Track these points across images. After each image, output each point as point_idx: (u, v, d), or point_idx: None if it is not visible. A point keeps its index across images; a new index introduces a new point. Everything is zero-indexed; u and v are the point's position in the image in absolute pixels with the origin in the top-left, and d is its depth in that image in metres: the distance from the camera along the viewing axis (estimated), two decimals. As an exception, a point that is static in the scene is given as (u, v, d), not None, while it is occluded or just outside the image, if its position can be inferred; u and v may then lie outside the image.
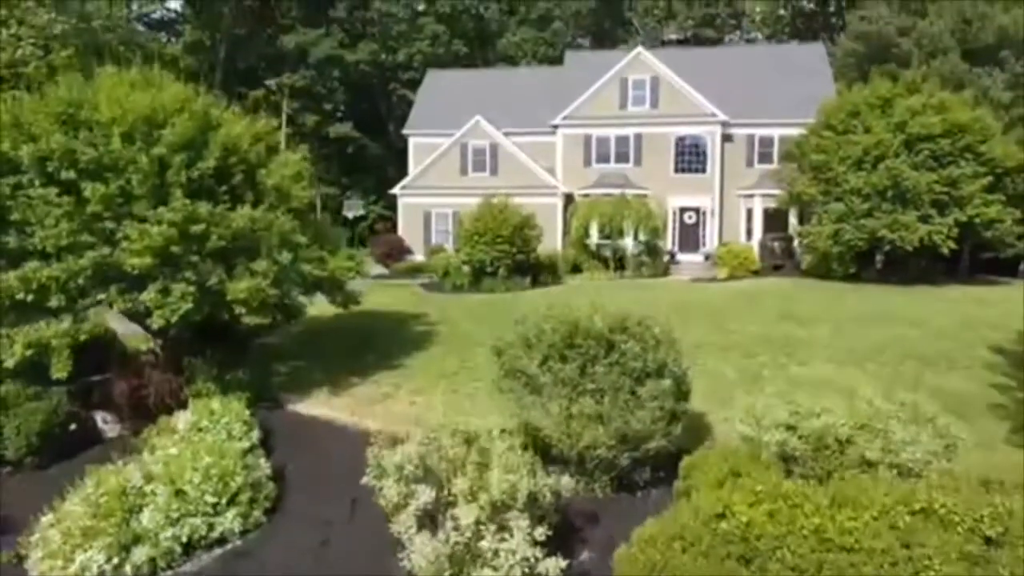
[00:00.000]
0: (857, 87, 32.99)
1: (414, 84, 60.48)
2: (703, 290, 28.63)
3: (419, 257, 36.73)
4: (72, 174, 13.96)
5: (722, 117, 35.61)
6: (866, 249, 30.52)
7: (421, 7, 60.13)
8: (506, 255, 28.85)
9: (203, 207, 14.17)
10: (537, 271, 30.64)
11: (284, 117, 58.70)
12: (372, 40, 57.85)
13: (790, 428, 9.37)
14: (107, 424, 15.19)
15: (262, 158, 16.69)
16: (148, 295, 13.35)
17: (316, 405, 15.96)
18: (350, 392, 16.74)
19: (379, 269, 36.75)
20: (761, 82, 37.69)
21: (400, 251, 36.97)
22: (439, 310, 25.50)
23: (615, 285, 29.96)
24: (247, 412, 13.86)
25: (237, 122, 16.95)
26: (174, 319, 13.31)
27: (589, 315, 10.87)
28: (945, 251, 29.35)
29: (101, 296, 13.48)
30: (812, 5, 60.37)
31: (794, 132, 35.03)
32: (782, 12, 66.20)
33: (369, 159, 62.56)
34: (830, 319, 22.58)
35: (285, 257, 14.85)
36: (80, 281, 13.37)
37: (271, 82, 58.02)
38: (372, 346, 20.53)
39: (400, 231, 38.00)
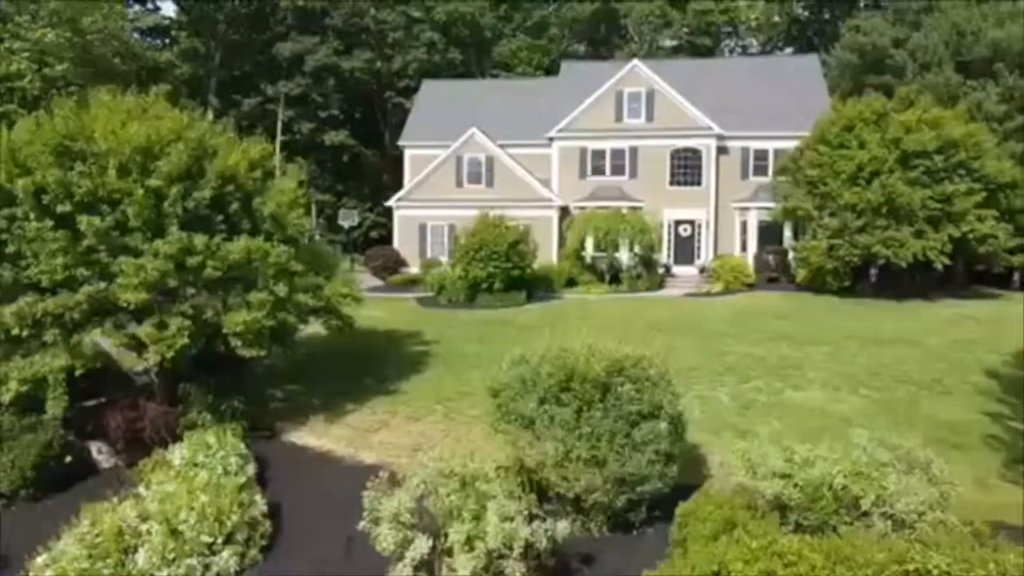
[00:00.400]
0: (852, 101, 33.06)
1: (410, 92, 60.54)
2: (697, 306, 28.68)
3: (415, 269, 36.71)
4: (67, 207, 13.91)
5: (717, 130, 35.69)
6: (860, 264, 30.66)
7: (417, 14, 60.07)
8: (502, 271, 28.87)
9: (199, 239, 14.16)
10: (532, 286, 30.66)
11: (279, 125, 58.79)
12: (368, 48, 57.83)
13: (785, 476, 9.40)
14: (102, 455, 15.14)
15: (258, 185, 16.66)
16: (144, 330, 13.33)
17: (312, 434, 15.95)
18: (346, 420, 16.73)
19: (375, 281, 36.77)
20: (756, 94, 37.78)
21: (396, 263, 36.95)
22: (435, 328, 25.50)
23: (609, 301, 30.02)
24: (242, 445, 13.84)
25: (234, 148, 16.91)
26: (170, 354, 13.29)
27: (586, 358, 10.86)
28: (939, 266, 29.44)
29: (96, 331, 13.42)
30: (807, 12, 60.48)
31: (788, 145, 35.19)
32: (777, 19, 66.42)
33: (364, 166, 62.59)
34: (825, 340, 22.68)
35: (281, 289, 14.84)
36: (75, 315, 13.33)
37: (266, 88, 58.01)
38: (368, 368, 20.54)
39: (396, 243, 37.98)
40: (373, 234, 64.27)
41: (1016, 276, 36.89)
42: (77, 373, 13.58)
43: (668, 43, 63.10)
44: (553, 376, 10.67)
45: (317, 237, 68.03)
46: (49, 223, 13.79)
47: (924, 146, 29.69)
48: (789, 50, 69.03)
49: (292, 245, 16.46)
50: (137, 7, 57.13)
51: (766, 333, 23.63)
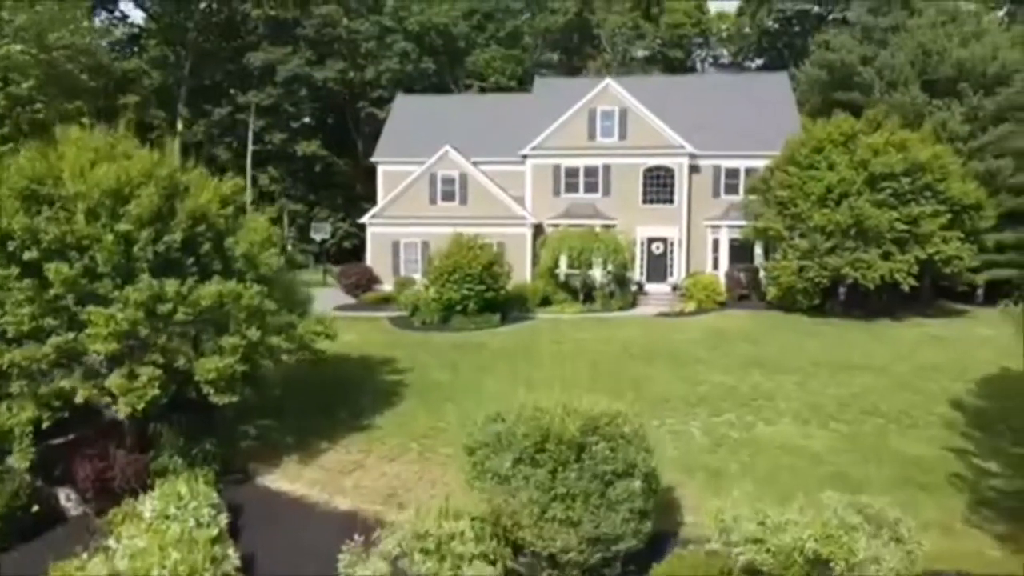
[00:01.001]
0: (821, 122, 33.51)
1: (383, 102, 60.27)
2: (670, 328, 28.88)
3: (388, 286, 36.54)
4: (35, 253, 13.69)
5: (689, 149, 35.97)
6: (830, 283, 31.07)
7: (390, 24, 59.78)
8: (476, 294, 28.86)
9: (170, 285, 14.00)
10: (506, 306, 30.68)
11: (250, 134, 58.20)
12: (340, 58, 57.41)
13: (758, 541, 9.53)
14: (70, 502, 14.92)
15: (230, 224, 16.52)
16: (114, 381, 13.15)
17: (285, 478, 15.84)
18: (320, 461, 16.64)
19: (348, 298, 36.57)
20: (727, 112, 38.15)
21: (369, 281, 36.75)
22: (409, 353, 25.41)
23: (583, 322, 30.11)
24: (215, 494, 13.74)
25: (205, 185, 16.75)
26: (141, 406, 13.13)
27: (561, 418, 10.89)
28: (906, 288, 29.94)
29: (64, 383, 13.21)
30: (776, 25, 61.17)
31: (759, 164, 35.62)
32: (747, 30, 67.10)
33: (337, 176, 62.19)
34: (795, 367, 22.97)
35: (254, 333, 14.71)
36: (43, 366, 13.11)
37: (237, 97, 57.40)
38: (341, 400, 20.42)
39: (369, 260, 37.77)
40: (346, 244, 63.91)
41: (980, 291, 37.61)
42: (44, 425, 13.36)
43: (641, 54, 63.42)
44: (528, 437, 10.70)
45: (289, 247, 67.69)
46: (15, 271, 13.56)
47: (891, 168, 30.18)
48: (759, 61, 69.86)
49: (265, 283, 16.35)
50: (104, 15, 56.26)
51: (738, 359, 23.88)
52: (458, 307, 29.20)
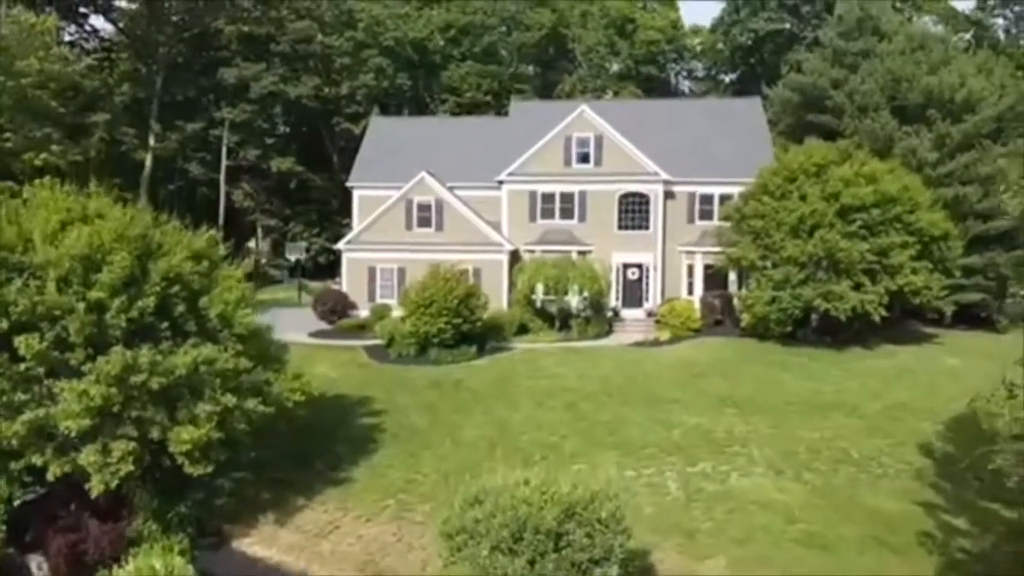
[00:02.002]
0: (794, 150, 33.96)
1: (358, 117, 60.00)
2: (646, 360, 29.07)
3: (364, 312, 36.38)
4: (3, 324, 13.50)
5: (664, 176, 36.22)
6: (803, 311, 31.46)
7: (364, 38, 59.46)
8: (452, 327, 28.85)
9: (144, 355, 13.87)
10: (483, 336, 30.69)
11: (224, 150, 57.67)
12: (315, 74, 57.06)
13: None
14: (41, 571, 14.72)
15: (204, 281, 16.39)
16: (87, 458, 13.00)
17: (261, 542, 15.78)
18: (296, 520, 16.58)
19: (323, 324, 36.37)
20: (701, 139, 38.49)
21: (344, 307, 36.54)
22: (385, 392, 25.37)
23: (559, 353, 30.16)
24: (191, 568, 13.63)
25: (178, 241, 16.63)
26: (115, 483, 12.99)
27: (539, 506, 10.93)
28: (876, 318, 30.40)
29: (36, 459, 13.03)
30: (749, 42, 61.72)
31: (733, 190, 36.03)
32: (720, 46, 67.69)
33: (312, 191, 61.77)
34: (769, 406, 23.26)
35: (229, 399, 14.61)
36: (13, 443, 12.93)
37: (210, 111, 56.87)
38: (317, 448, 20.33)
39: (344, 286, 37.56)
40: (321, 260, 63.59)
41: (948, 313, 38.23)
42: (16, 502, 13.18)
43: (616, 68, 63.65)
44: (506, 527, 10.74)
45: (263, 261, 67.10)
46: (-16, 345, 13.37)
47: (862, 201, 30.62)
48: (733, 76, 70.52)
49: (240, 341, 16.26)
50: (74, 27, 55.44)
51: (712, 397, 24.10)
52: (435, 340, 29.16)
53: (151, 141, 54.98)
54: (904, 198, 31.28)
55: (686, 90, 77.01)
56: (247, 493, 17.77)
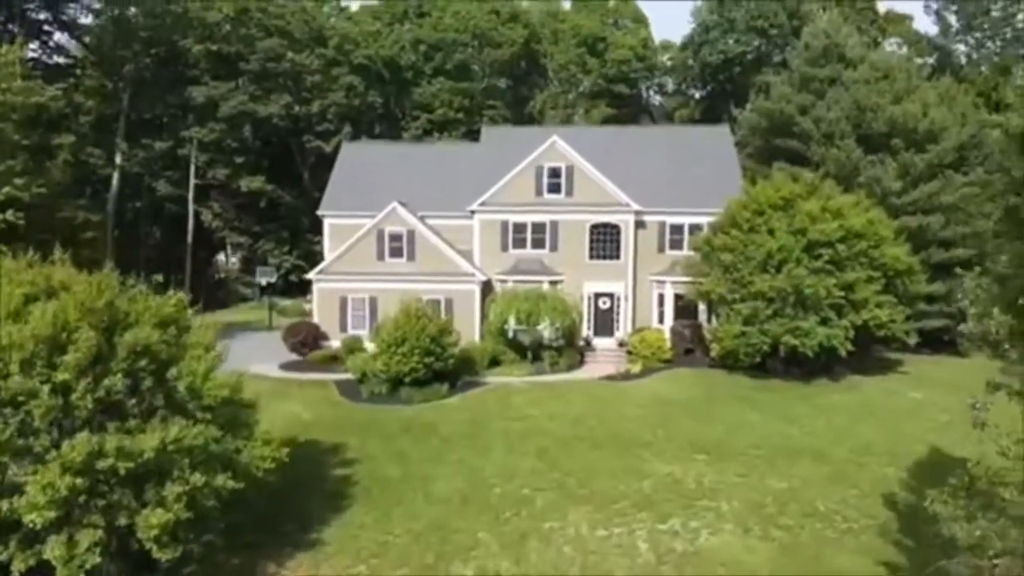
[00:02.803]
0: (761, 185, 34.40)
1: (329, 135, 59.77)
2: (617, 397, 29.28)
3: (335, 343, 36.24)
4: (-34, 411, 13.29)
5: (635, 207, 36.51)
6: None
7: (334, 55, 59.14)
8: (424, 366, 28.86)
9: (110, 441, 13.72)
10: (455, 373, 30.69)
11: (193, 168, 57.10)
12: (285, 92, 56.64)
13: None
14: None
15: (172, 350, 16.23)
16: (53, 551, 12.83)
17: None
18: (266, 593, 16.49)
19: (294, 355, 36.18)
20: (671, 169, 38.89)
21: (316, 338, 36.36)
22: (358, 434, 25.32)
23: (532, 391, 30.20)
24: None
25: (146, 309, 16.46)
26: (81, 575, 12.84)
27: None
28: (843, 352, 30.93)
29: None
30: (719, 60, 62.39)
31: (703, 220, 36.53)
32: (690, 62, 68.34)
33: (282, 208, 61.35)
34: (738, 451, 23.61)
35: (197, 479, 14.51)
36: (-24, 536, 12.74)
37: (179, 129, 56.27)
38: (288, 506, 20.19)
39: (315, 317, 37.36)
40: (292, 277, 63.13)
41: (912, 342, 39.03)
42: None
43: (587, 84, 63.92)
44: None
45: (234, 278, 66.36)
46: (-55, 433, 13.14)
47: (828, 236, 31.15)
48: (703, 91, 71.27)
49: (209, 411, 16.13)
50: (37, 44, 54.38)
51: (683, 443, 24.36)
52: (407, 379, 29.14)
53: (118, 159, 54.30)
54: (869, 233, 31.89)
55: (657, 103, 77.81)
56: (217, 559, 17.60)
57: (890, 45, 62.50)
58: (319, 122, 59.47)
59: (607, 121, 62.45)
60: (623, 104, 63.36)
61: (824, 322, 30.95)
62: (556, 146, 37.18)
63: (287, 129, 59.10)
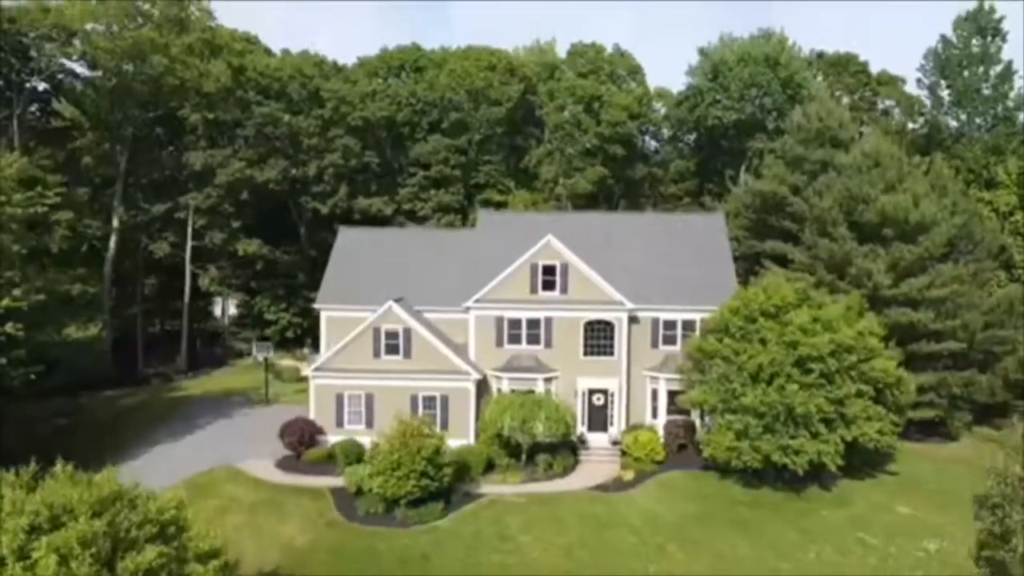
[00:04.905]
0: (753, 289, 34.80)
1: (326, 196, 60.16)
2: (609, 523, 29.51)
3: (332, 438, 36.60)
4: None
5: (629, 305, 36.95)
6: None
7: (330, 115, 59.36)
8: (420, 488, 29.25)
9: None
10: (449, 489, 30.99)
11: (190, 231, 57.41)
12: (282, 156, 56.94)
13: None
14: None
15: (173, 567, 16.59)
16: None
17: None
18: None
19: (289, 451, 36.48)
20: (664, 260, 39.44)
21: (312, 434, 36.62)
22: (354, 566, 25.73)
23: (525, 509, 30.51)
24: None
25: (146, 518, 16.82)
26: None
27: None
28: (833, 468, 31.39)
29: None
30: (713, 122, 62.79)
31: (695, 317, 37.10)
32: (686, 115, 68.75)
33: (280, 266, 61.69)
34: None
35: None
36: None
37: (175, 194, 56.52)
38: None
39: (312, 413, 37.61)
40: (289, 334, 63.55)
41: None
42: None
43: (583, 142, 64.05)
44: None
45: (231, 332, 66.56)
46: None
47: (819, 351, 31.55)
48: (695, 149, 71.64)
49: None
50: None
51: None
52: (402, 499, 29.53)
53: (115, 223, 54.52)
54: (859, 347, 32.31)
55: (652, 147, 78.00)
56: None
57: (883, 104, 63.15)
58: (316, 183, 59.77)
59: (602, 181, 62.95)
60: (618, 164, 63.76)
61: (815, 436, 31.38)
62: (551, 244, 37.59)
63: (284, 191, 59.36)
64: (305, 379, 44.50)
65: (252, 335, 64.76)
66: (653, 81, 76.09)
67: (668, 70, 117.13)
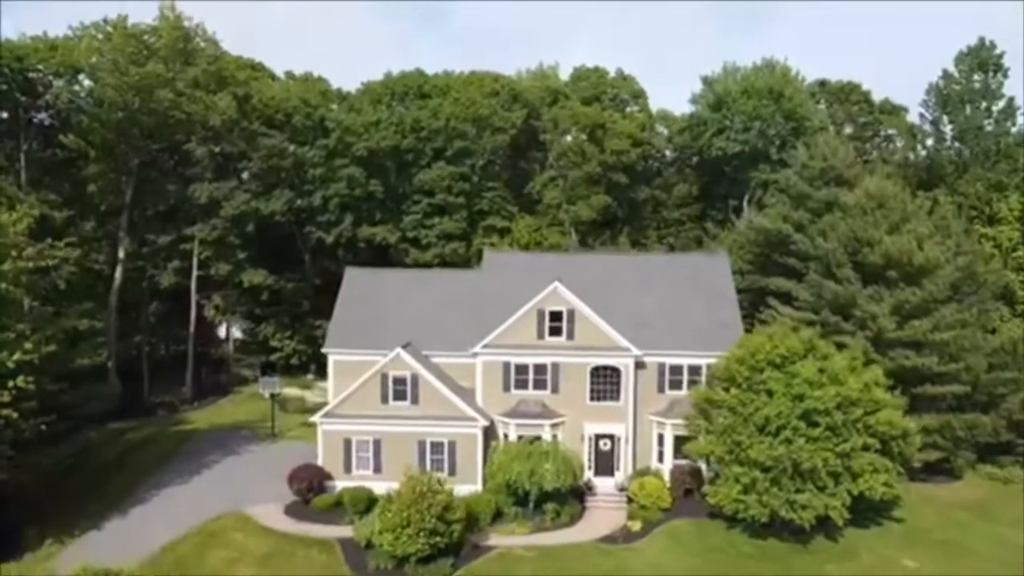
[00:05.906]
0: (759, 338, 34.90)
1: (331, 225, 60.40)
2: (617, 570, 29.88)
3: (340, 484, 36.82)
4: None
5: (635, 352, 37.17)
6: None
7: (333, 144, 59.50)
8: (430, 546, 29.48)
9: None
10: (459, 544, 31.19)
11: (195, 261, 57.59)
12: (287, 187, 57.13)
13: None
14: None
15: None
16: None
17: None
18: None
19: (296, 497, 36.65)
20: (670, 303, 39.69)
21: (320, 480, 36.78)
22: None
23: (532, 565, 30.76)
24: None
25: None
26: None
27: None
28: (840, 523, 31.61)
29: None
30: (716, 153, 62.99)
31: (701, 362, 37.39)
32: (690, 142, 69.03)
33: (284, 293, 61.93)
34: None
35: None
36: None
37: (181, 225, 56.70)
38: None
39: (320, 459, 37.76)
40: (294, 360, 63.79)
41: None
42: None
43: (585, 170, 64.09)
44: None
45: (235, 359, 66.79)
46: None
47: (826, 404, 31.74)
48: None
49: None
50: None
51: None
52: (412, 557, 29.76)
53: (120, 254, 54.69)
54: (865, 399, 32.53)
55: (655, 168, 78.17)
56: None
57: (885, 133, 63.38)
58: (321, 212, 59.97)
59: (606, 210, 63.19)
60: (621, 188, 64.02)
61: (821, 489, 31.60)
62: (557, 291, 37.80)
63: (289, 221, 59.56)
64: (310, 410, 44.98)
65: (257, 361, 65.05)
66: (655, 94, 76.40)
67: (671, 78, 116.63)
